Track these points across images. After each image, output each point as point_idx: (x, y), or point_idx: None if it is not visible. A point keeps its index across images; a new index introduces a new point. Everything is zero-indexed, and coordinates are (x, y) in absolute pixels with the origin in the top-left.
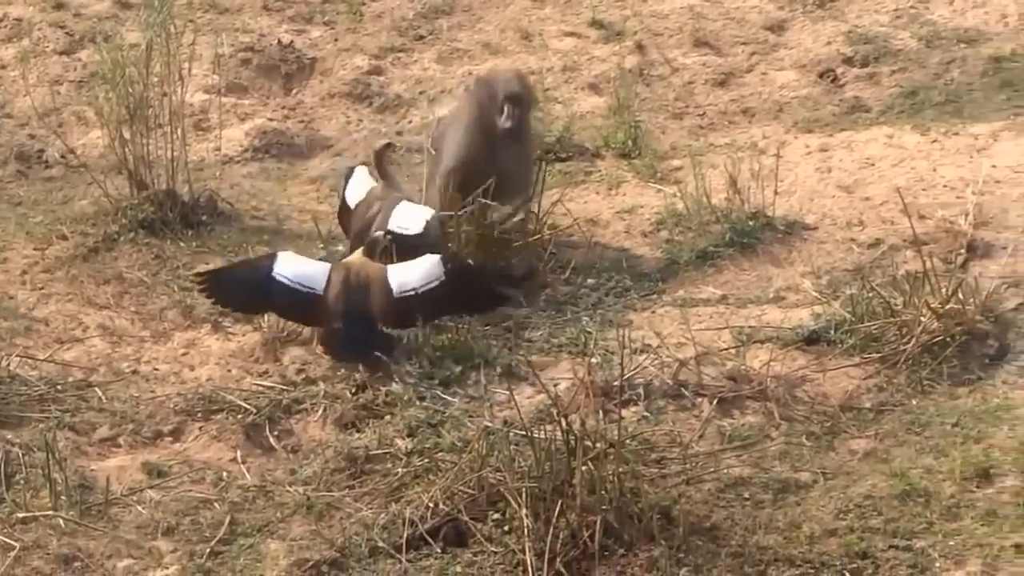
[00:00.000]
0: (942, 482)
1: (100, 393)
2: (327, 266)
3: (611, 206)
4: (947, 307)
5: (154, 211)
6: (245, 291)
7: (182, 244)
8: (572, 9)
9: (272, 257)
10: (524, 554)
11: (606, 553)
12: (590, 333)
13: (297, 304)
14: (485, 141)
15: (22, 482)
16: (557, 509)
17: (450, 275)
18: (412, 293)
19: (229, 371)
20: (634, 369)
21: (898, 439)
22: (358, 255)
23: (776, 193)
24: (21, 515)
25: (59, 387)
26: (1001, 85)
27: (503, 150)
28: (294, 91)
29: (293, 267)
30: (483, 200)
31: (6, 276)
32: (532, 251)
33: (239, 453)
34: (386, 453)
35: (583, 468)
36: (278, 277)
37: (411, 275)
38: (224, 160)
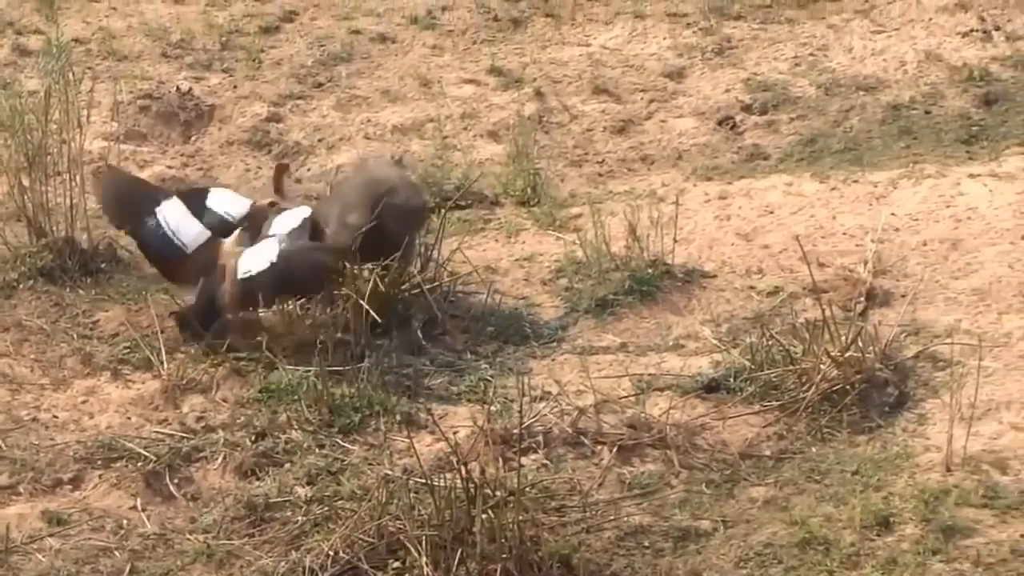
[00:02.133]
0: (842, 530)
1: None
2: (207, 233)
3: (511, 254)
4: (847, 355)
5: (53, 259)
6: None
7: (81, 292)
8: (471, 56)
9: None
10: None
11: None
12: (489, 381)
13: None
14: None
15: None
16: (457, 558)
17: (280, 256)
18: (249, 275)
19: (129, 419)
20: (534, 417)
21: (798, 487)
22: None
23: (675, 241)
24: None
25: None
26: (900, 133)
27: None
28: (193, 138)
29: (177, 215)
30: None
31: None
32: (431, 300)
33: (139, 501)
34: (286, 501)
35: (483, 516)
36: (159, 216)
37: (255, 258)
38: None
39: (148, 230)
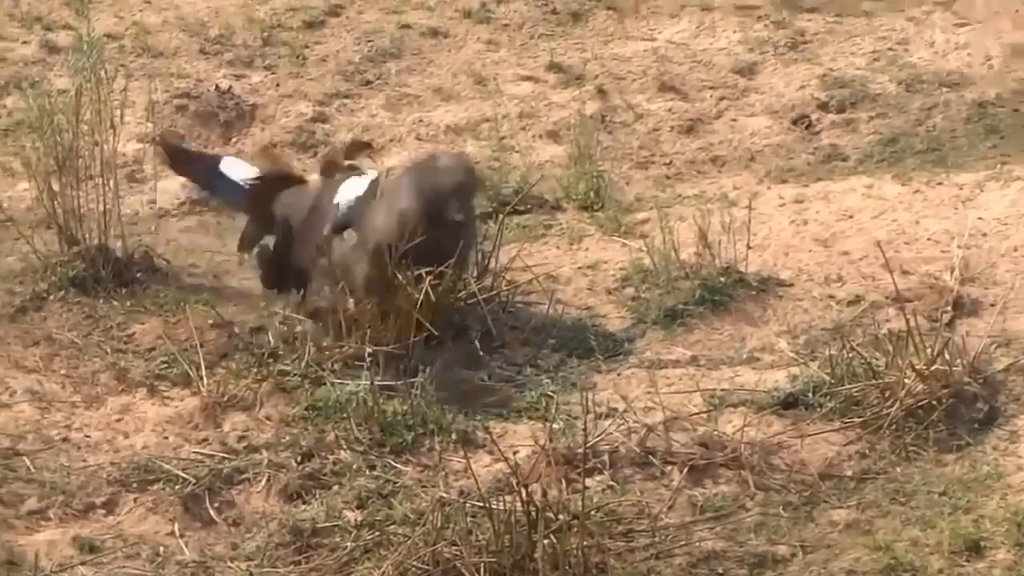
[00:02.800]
0: (929, 556)
1: (28, 462)
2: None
3: (573, 261)
4: (932, 368)
5: (85, 268)
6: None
7: (115, 303)
8: (529, 52)
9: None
10: None
11: None
12: (551, 397)
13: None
14: (427, 228)
15: None
16: None
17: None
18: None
19: (166, 438)
20: (599, 435)
21: (882, 509)
22: None
23: (749, 247)
24: None
25: None
26: (986, 132)
27: (446, 238)
28: (233, 140)
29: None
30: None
31: None
32: (489, 310)
33: (177, 526)
34: (334, 526)
35: (545, 542)
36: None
37: None
38: (160, 214)
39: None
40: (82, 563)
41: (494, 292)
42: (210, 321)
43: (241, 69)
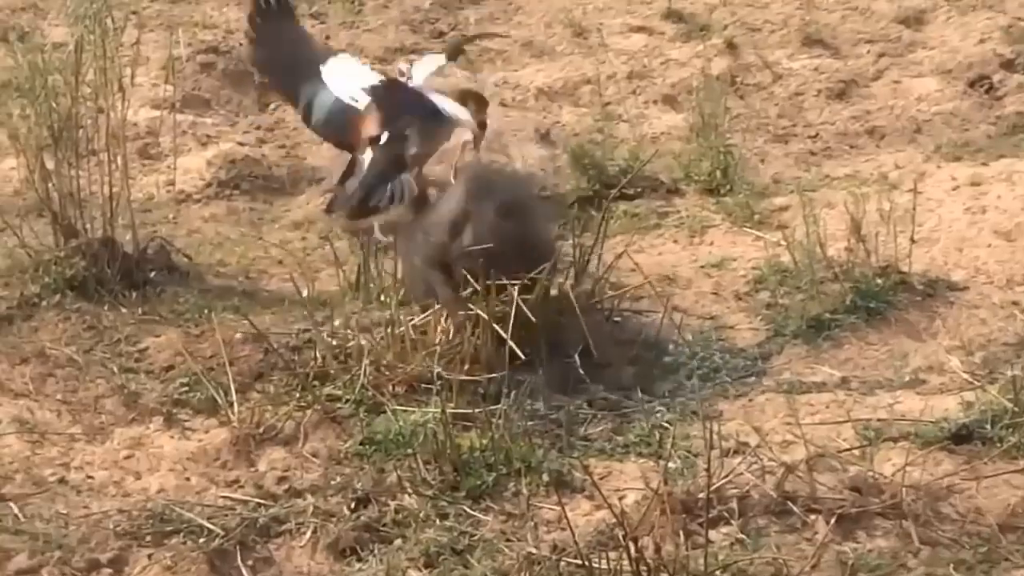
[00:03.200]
0: None
1: (16, 509)
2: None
3: (694, 259)
4: None
5: (87, 267)
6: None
7: (124, 310)
8: None
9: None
10: None
11: None
12: (666, 429)
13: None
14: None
15: None
16: None
17: None
18: None
19: (187, 480)
20: (725, 476)
21: None
22: None
23: (913, 241)
24: None
25: None
26: None
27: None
28: (272, 106)
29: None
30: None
31: None
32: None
33: None
34: None
35: None
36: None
37: None
38: (180, 198)
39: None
40: None
41: (595, 299)
42: (241, 333)
43: None
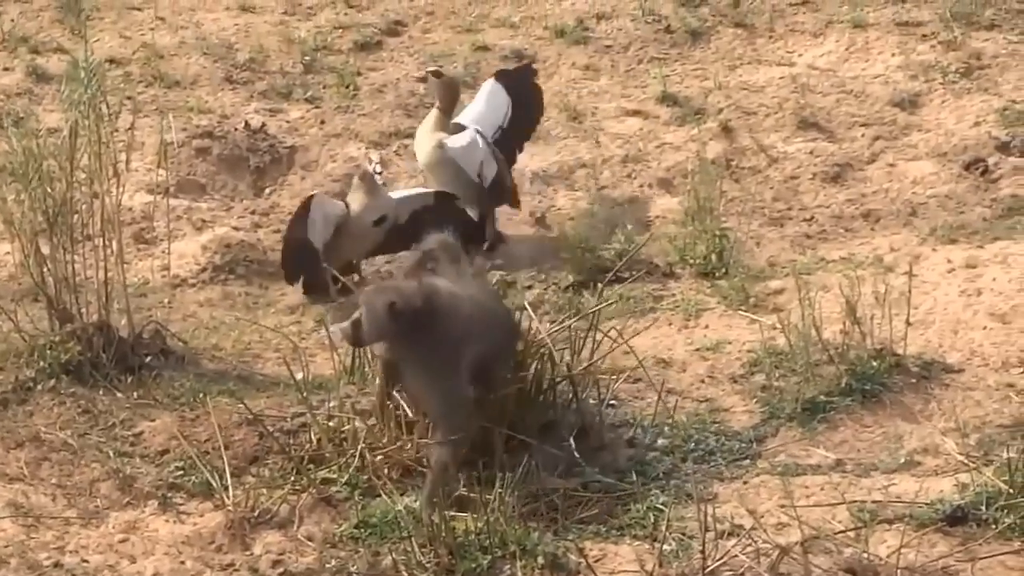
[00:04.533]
0: None
1: None
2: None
3: (689, 342)
4: None
5: (81, 351)
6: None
7: (119, 395)
8: (636, 80)
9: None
10: None
11: None
12: (662, 511)
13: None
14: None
15: None
16: None
17: None
18: None
19: (183, 563)
20: (720, 559)
21: None
22: None
23: (908, 324)
24: None
25: None
26: None
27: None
28: (267, 191)
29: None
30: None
31: None
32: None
33: None
34: None
35: None
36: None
37: None
38: (175, 283)
39: None
40: None
41: (591, 382)
42: (236, 417)
43: (276, 102)
